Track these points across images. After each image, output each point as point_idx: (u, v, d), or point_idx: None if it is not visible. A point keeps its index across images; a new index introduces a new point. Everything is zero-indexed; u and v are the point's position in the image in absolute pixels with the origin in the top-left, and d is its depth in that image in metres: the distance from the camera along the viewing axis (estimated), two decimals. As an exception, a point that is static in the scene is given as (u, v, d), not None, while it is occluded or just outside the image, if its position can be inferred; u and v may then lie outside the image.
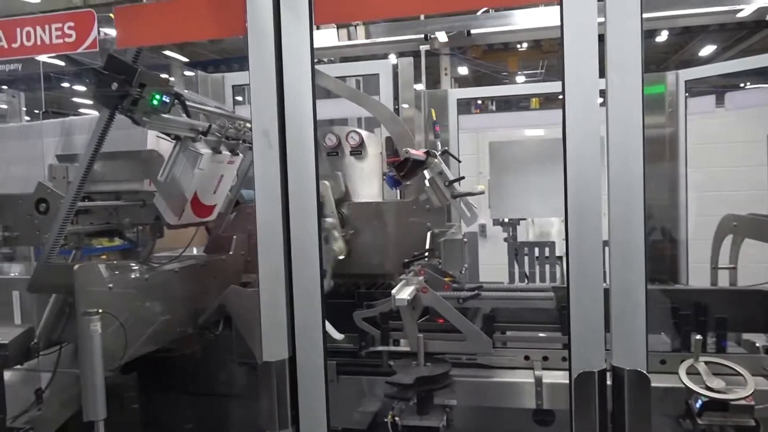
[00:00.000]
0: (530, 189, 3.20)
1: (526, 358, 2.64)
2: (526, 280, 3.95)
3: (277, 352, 2.00)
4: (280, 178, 1.95)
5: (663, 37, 15.49)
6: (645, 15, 1.70)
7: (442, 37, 7.04)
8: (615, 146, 1.72)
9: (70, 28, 2.12)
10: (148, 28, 2.12)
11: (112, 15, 2.06)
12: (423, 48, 4.77)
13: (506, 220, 4.05)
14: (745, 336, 2.93)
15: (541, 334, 2.86)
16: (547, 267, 3.57)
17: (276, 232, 1.98)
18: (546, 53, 18.33)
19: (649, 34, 13.59)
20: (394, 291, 2.37)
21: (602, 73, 1.72)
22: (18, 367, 2.79)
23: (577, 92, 1.73)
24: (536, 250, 3.56)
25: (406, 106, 4.13)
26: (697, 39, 16.45)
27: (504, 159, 3.31)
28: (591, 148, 1.73)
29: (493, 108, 16.63)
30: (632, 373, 1.73)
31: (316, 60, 1.96)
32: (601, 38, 1.72)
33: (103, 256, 4.66)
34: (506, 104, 16.16)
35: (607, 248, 1.77)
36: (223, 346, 3.24)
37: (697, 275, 4.27)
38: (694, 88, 4.84)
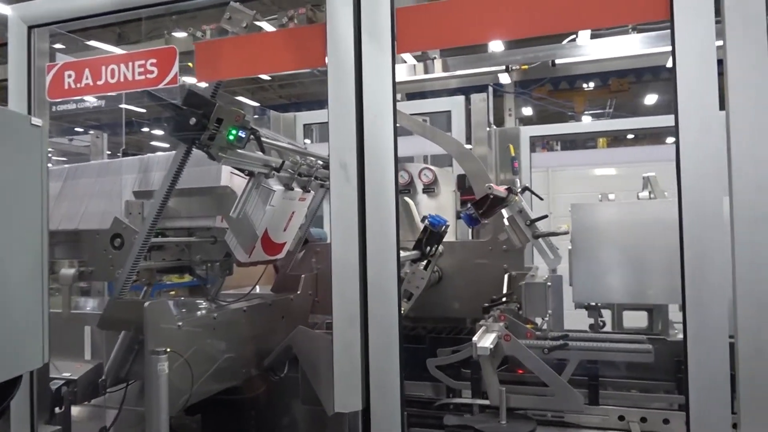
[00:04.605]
0: (630, 264, 2.51)
1: (621, 418, 2.37)
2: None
3: (351, 402, 1.85)
4: (358, 213, 1.84)
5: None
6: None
7: (504, 78, 6.94)
8: (740, 183, 1.51)
9: (152, 64, 2.13)
10: (227, 62, 2.10)
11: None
12: (490, 86, 4.65)
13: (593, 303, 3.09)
14: None
15: (635, 391, 2.58)
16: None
17: (352, 272, 1.86)
18: (614, 92, 17.89)
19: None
20: (475, 338, 2.19)
21: (721, 105, 1.53)
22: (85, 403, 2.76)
23: (693, 126, 1.54)
24: None
25: (476, 148, 3.97)
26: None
27: (592, 226, 2.61)
28: (712, 186, 1.52)
29: (558, 147, 16.27)
30: (768, 448, 1.47)
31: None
32: (719, 63, 1.53)
33: (172, 292, 4.70)
34: (572, 144, 15.77)
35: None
36: (288, 389, 3.12)
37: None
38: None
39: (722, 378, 1.51)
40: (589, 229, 2.66)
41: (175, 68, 2.09)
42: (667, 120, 5.50)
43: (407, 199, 3.04)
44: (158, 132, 17.27)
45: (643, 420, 2.32)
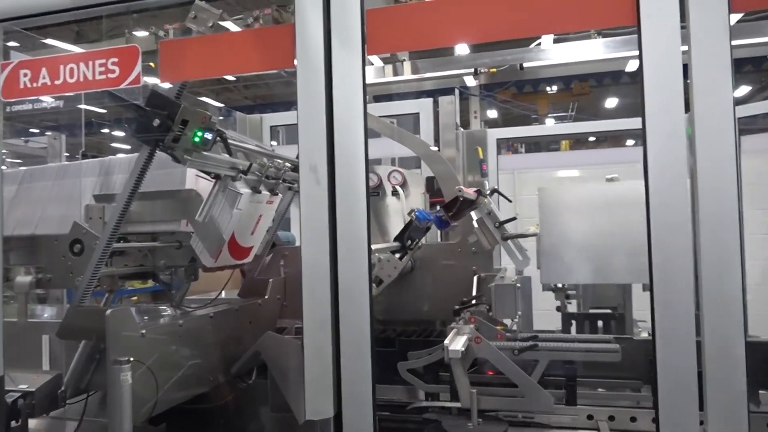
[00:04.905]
0: (596, 245, 2.52)
1: (590, 417, 2.40)
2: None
3: (322, 409, 1.82)
4: (329, 216, 1.81)
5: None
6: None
7: (470, 81, 6.99)
8: (705, 185, 1.53)
9: (113, 63, 2.05)
10: (192, 62, 2.05)
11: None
12: (457, 88, 4.68)
13: (560, 285, 3.17)
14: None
15: (602, 390, 2.61)
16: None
17: (323, 275, 1.82)
18: (576, 96, 18.26)
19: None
20: (446, 341, 2.18)
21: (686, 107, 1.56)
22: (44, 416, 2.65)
23: (660, 128, 1.57)
24: (599, 323, 3.15)
25: (444, 151, 3.95)
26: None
27: (558, 208, 2.66)
28: (678, 187, 1.55)
29: (522, 150, 16.53)
30: (733, 444, 1.50)
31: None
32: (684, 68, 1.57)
33: (134, 298, 4.55)
34: (536, 146, 16.03)
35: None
36: (256, 395, 3.06)
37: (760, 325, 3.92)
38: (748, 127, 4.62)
39: (690, 376, 1.54)
40: (556, 212, 2.69)
41: (138, 68, 2.02)
42: (631, 123, 5.63)
43: (401, 191, 3.03)
44: (119, 134, 16.85)
45: (611, 419, 2.35)
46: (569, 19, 1.68)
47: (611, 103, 19.04)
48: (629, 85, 17.36)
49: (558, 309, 3.24)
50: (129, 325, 2.28)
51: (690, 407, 1.54)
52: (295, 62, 1.84)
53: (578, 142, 18.09)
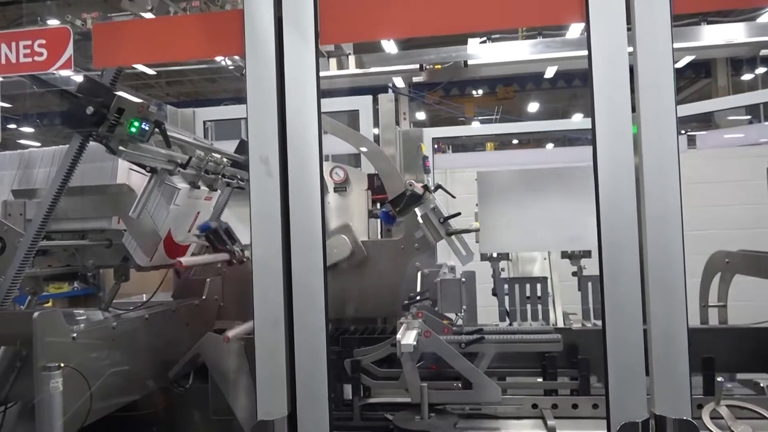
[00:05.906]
0: (526, 220, 2.87)
1: (534, 406, 2.46)
2: (507, 319, 3.81)
3: (275, 409, 1.75)
4: (281, 209, 1.75)
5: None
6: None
7: (399, 82, 7.06)
8: (650, 180, 1.61)
9: (41, 45, 1.89)
10: (130, 47, 1.92)
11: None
12: (390, 88, 4.71)
13: (495, 255, 3.57)
14: (740, 376, 2.87)
15: (540, 379, 2.69)
16: (539, 306, 3.38)
17: (275, 272, 1.76)
18: (501, 99, 18.91)
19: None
20: (399, 336, 2.17)
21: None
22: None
23: (608, 126, 1.62)
24: (527, 287, 3.37)
25: (385, 149, 3.96)
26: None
27: (494, 189, 2.97)
28: (625, 183, 1.61)
29: (450, 150, 16.89)
30: (678, 423, 1.58)
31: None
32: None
33: (48, 304, 4.23)
34: (463, 147, 16.44)
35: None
36: (194, 400, 2.93)
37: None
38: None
39: (637, 363, 1.61)
40: (492, 192, 2.95)
41: (69, 50, 1.88)
42: (558, 124, 5.87)
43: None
44: (27, 129, 15.76)
45: (554, 407, 2.42)
46: (521, 15, 1.72)
47: (533, 107, 19.85)
48: (549, 91, 18.19)
49: (492, 277, 3.58)
50: (58, 328, 2.11)
51: (638, 391, 1.61)
52: (245, 50, 1.77)
53: (502, 143, 18.75)
